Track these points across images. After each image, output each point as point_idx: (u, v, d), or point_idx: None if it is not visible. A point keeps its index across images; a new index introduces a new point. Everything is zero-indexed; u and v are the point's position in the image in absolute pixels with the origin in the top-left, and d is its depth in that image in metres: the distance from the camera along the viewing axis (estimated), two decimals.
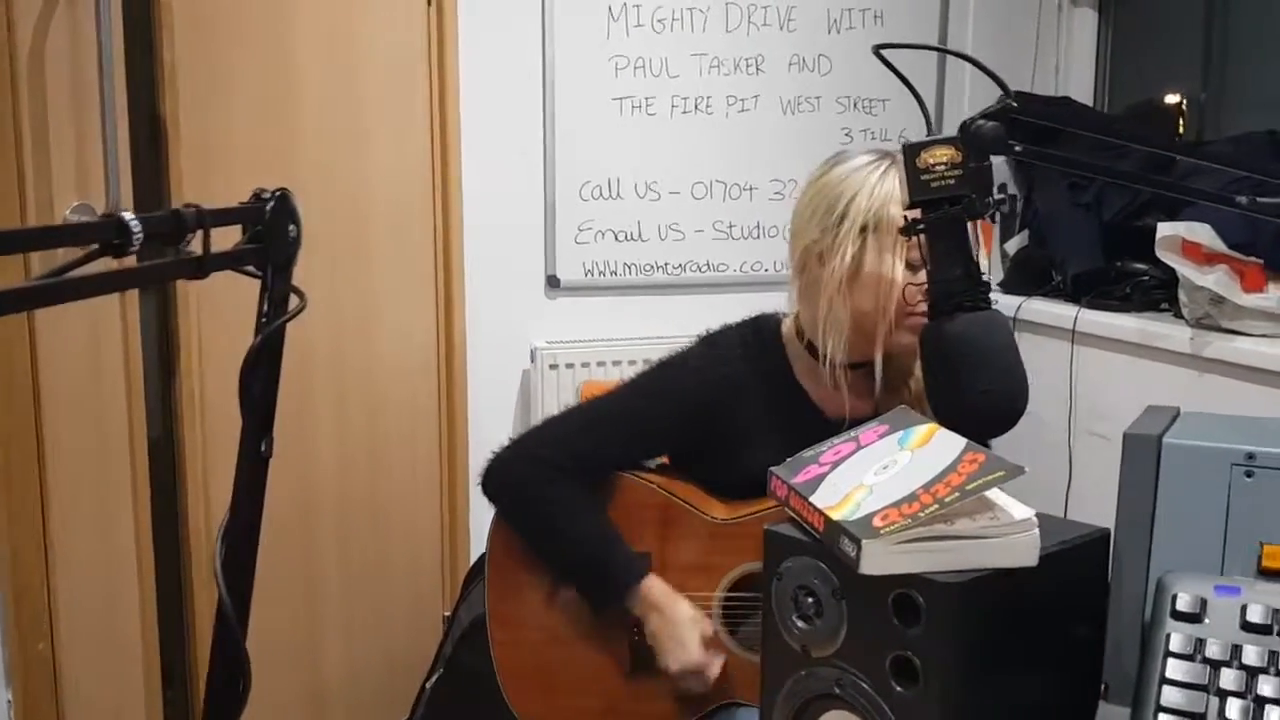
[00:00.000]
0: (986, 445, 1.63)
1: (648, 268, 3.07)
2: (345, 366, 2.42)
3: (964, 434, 1.25)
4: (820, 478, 0.93)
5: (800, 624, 0.89)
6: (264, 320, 0.98)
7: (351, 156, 2.35)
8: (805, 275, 1.60)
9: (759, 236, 3.15)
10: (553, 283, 3.01)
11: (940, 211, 1.14)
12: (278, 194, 0.98)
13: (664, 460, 1.74)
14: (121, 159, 1.67)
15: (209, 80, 1.92)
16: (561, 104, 2.93)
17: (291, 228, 0.99)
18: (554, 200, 2.97)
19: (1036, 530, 0.83)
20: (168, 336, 1.90)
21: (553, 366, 2.93)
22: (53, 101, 1.59)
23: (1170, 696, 0.79)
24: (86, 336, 1.68)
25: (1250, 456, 0.88)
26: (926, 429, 0.95)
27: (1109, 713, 0.87)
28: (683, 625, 1.56)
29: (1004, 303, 2.99)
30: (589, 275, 3.02)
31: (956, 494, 0.82)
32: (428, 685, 2.39)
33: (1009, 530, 0.82)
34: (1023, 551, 0.82)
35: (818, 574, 0.87)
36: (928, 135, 1.15)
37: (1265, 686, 0.77)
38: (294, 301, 1.00)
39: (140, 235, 0.77)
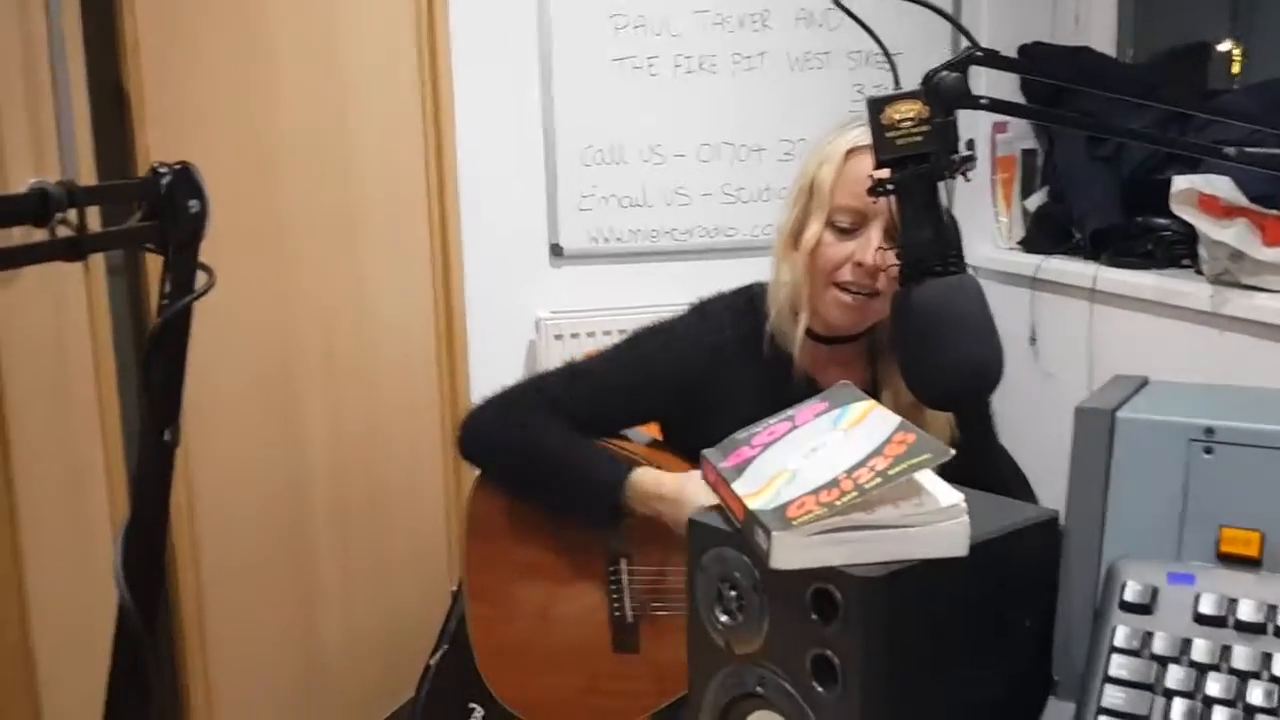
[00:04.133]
0: (972, 413, 1.58)
1: (654, 234, 3.00)
2: (337, 343, 2.38)
3: (936, 405, 1.19)
4: (748, 461, 0.87)
5: (723, 619, 0.83)
6: (165, 302, 0.93)
7: (336, 127, 2.30)
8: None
9: (768, 199, 3.06)
10: (556, 251, 2.95)
11: (906, 171, 1.07)
12: (177, 167, 0.93)
13: (653, 434, 1.69)
14: (80, 133, 1.63)
15: (176, 50, 1.87)
16: (560, 66, 2.86)
17: (194, 202, 0.94)
18: (555, 167, 2.91)
19: (966, 517, 0.76)
20: (140, 320, 1.86)
21: (558, 337, 2.88)
22: (4, 75, 1.54)
23: (1112, 696, 0.72)
24: (49, 324, 1.65)
25: (1209, 431, 0.80)
26: (863, 407, 0.88)
27: (1057, 710, 0.80)
28: (696, 494, 1.41)
29: (1023, 262, 2.89)
30: (594, 243, 2.96)
31: (879, 479, 0.76)
32: (431, 662, 2.37)
33: (935, 518, 0.75)
34: (951, 541, 0.76)
35: (740, 567, 0.81)
36: (895, 88, 1.08)
37: (1213, 685, 0.70)
38: (202, 279, 0.95)
39: None
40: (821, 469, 0.80)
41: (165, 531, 0.93)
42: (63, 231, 0.81)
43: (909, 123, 1.09)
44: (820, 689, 0.76)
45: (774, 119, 3.04)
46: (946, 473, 0.81)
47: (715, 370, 1.57)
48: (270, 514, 2.23)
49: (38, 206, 0.76)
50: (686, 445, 1.62)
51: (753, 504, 0.79)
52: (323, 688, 2.41)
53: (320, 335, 2.33)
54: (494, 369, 2.91)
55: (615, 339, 2.88)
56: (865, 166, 1.47)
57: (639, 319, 2.89)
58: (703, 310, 1.64)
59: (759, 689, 0.80)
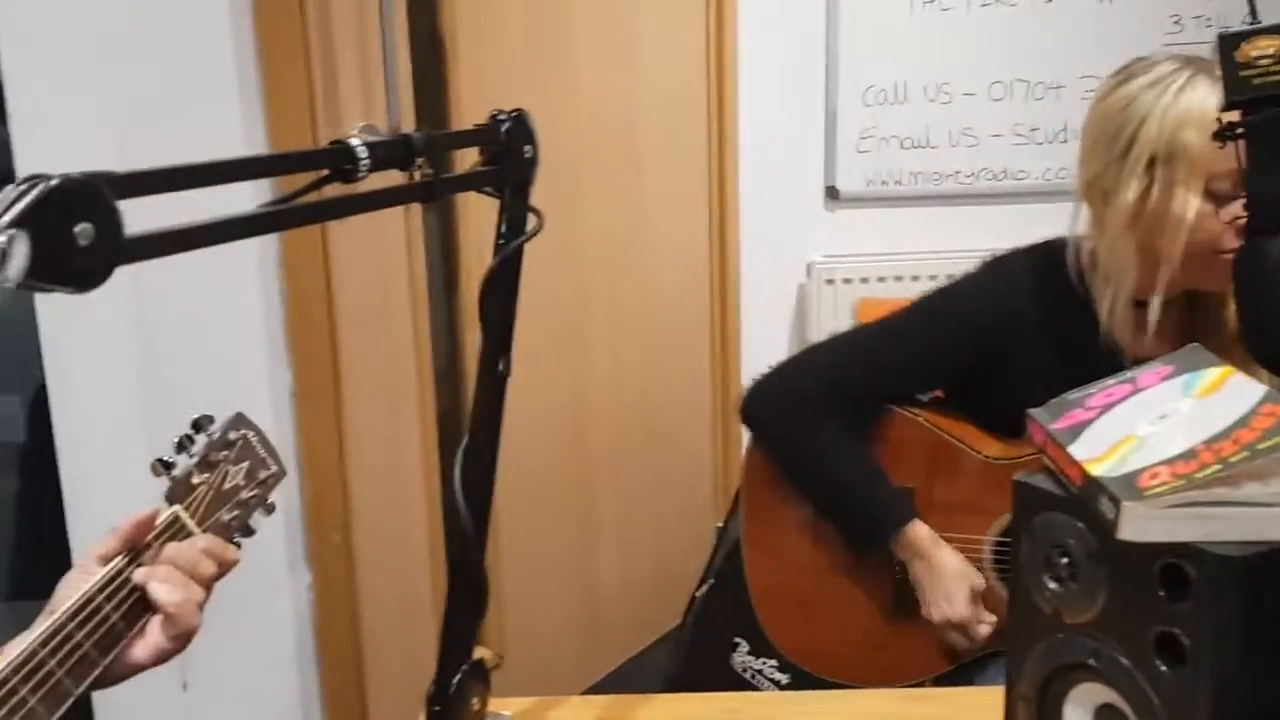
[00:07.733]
0: None
1: (936, 176, 2.89)
2: (619, 280, 2.44)
3: None
4: (1084, 424, 0.83)
5: (1053, 586, 0.80)
6: (502, 241, 0.97)
7: (625, 67, 2.34)
8: (1091, 210, 1.45)
9: (1066, 140, 2.89)
10: (832, 194, 2.90)
11: (1264, 113, 0.98)
12: (514, 114, 0.96)
13: (937, 394, 1.64)
14: (402, 78, 1.72)
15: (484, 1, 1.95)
16: (845, 2, 2.78)
17: (528, 148, 0.97)
18: (835, 106, 2.84)
19: None
20: (450, 253, 1.97)
21: (829, 281, 2.84)
22: (338, 25, 1.65)
23: None
24: (375, 254, 1.76)
25: None
26: (1218, 373, 0.82)
27: None
28: (949, 577, 1.47)
29: None
30: (871, 185, 2.89)
31: (1245, 453, 0.70)
32: (698, 594, 2.43)
33: None
34: None
35: (1074, 533, 0.78)
36: (1251, 22, 1.00)
37: None
38: (532, 222, 0.99)
39: (367, 161, 0.77)
40: (1175, 438, 0.75)
41: (496, 454, 0.98)
42: (417, 175, 0.86)
43: (1268, 60, 1.00)
44: (1164, 668, 0.72)
45: (1076, 53, 2.84)
46: None
47: (1015, 333, 1.49)
48: (556, 453, 2.31)
49: (403, 152, 0.81)
50: (973, 406, 1.56)
51: (1095, 470, 0.75)
52: (602, 625, 2.50)
53: (605, 272, 2.39)
54: (764, 311, 2.91)
55: (888, 286, 2.85)
56: None
57: (916, 265, 2.84)
58: (1000, 267, 1.55)
59: (1091, 661, 0.77)
